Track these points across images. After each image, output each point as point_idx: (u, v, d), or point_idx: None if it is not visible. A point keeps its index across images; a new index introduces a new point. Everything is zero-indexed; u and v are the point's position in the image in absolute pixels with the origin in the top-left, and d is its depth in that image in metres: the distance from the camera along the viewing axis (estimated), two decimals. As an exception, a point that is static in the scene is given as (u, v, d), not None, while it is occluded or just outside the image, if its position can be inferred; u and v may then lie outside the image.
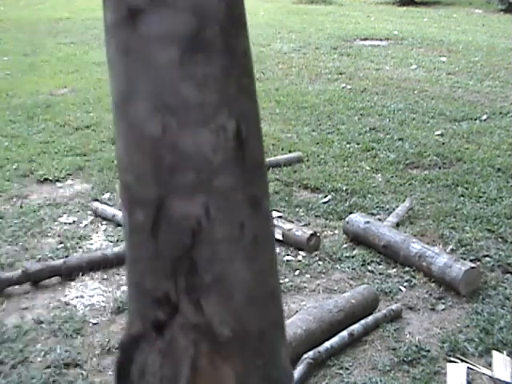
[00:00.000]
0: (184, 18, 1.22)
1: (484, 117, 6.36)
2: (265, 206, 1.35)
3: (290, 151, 5.34)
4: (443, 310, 3.12)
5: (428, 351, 2.78)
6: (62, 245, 3.79)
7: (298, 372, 2.54)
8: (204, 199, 1.23)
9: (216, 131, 1.23)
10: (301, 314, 2.87)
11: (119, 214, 4.07)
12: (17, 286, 3.31)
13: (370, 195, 4.45)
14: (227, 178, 1.25)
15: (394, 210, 4.11)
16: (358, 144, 5.54)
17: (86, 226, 4.08)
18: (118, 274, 3.47)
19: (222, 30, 1.25)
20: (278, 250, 3.71)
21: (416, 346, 2.79)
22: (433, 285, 3.30)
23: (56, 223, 4.10)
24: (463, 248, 3.68)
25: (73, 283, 3.39)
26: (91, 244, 3.84)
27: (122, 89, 1.27)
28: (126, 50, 1.25)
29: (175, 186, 1.23)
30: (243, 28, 1.33)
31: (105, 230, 4.01)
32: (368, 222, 3.73)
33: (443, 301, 3.18)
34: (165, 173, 1.23)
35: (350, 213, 4.05)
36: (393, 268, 3.49)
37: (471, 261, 3.46)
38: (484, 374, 2.63)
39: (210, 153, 1.23)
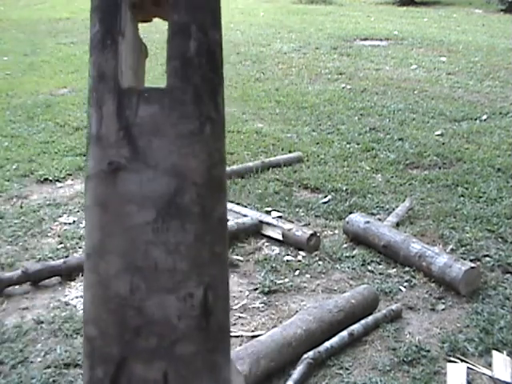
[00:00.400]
0: (163, 179, 1.20)
1: (484, 117, 6.36)
2: (225, 374, 1.32)
3: (289, 151, 5.34)
4: (443, 309, 3.11)
5: (428, 351, 2.78)
6: (61, 245, 3.79)
7: (298, 372, 2.54)
8: (164, 365, 1.21)
9: (183, 298, 1.21)
10: (301, 314, 2.87)
11: (119, 214, 4.07)
12: (17, 286, 3.31)
13: (370, 195, 4.45)
14: (189, 345, 1.23)
15: (393, 210, 4.11)
16: (358, 144, 5.54)
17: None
18: (117, 274, 3.47)
19: (200, 195, 1.23)
20: (277, 250, 3.71)
21: (416, 346, 2.79)
22: (433, 285, 3.30)
23: (56, 223, 4.10)
24: (463, 248, 3.68)
25: (73, 283, 3.39)
26: (91, 244, 3.83)
27: (95, 242, 1.25)
28: (102, 205, 1.23)
29: (137, 348, 1.21)
30: (221, 192, 1.31)
31: (105, 230, 4.00)
32: (368, 222, 3.73)
33: (443, 301, 3.18)
34: (129, 334, 1.21)
35: (350, 213, 4.04)
36: (393, 268, 3.49)
37: (471, 261, 3.46)
38: (484, 373, 2.62)
39: (174, 319, 1.21)
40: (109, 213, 1.22)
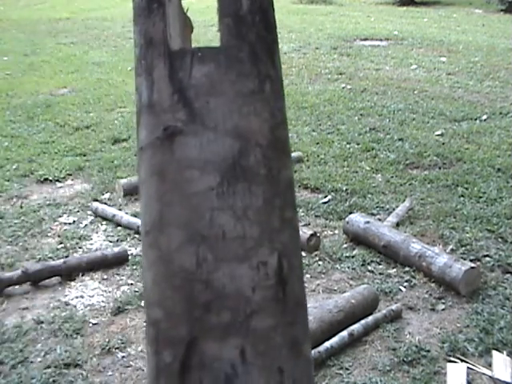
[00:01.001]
0: (225, 141, 1.11)
1: (484, 117, 6.36)
2: (306, 350, 1.21)
3: (289, 151, 5.33)
4: (443, 309, 3.11)
5: (428, 351, 2.78)
6: (61, 245, 3.79)
7: (297, 372, 2.54)
8: (240, 342, 1.10)
9: (256, 267, 1.12)
10: (301, 314, 2.87)
11: (119, 214, 4.08)
12: (17, 286, 3.32)
13: (370, 195, 4.45)
14: (266, 319, 1.13)
15: (394, 210, 4.11)
16: (358, 144, 5.54)
17: (85, 226, 4.08)
18: (117, 274, 3.47)
19: (265, 157, 1.14)
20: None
21: (416, 346, 2.79)
22: (433, 285, 3.30)
23: (56, 223, 4.10)
24: (463, 248, 3.68)
25: (73, 283, 3.39)
26: (91, 244, 3.84)
27: (153, 215, 1.15)
28: (160, 175, 1.14)
29: (209, 325, 1.11)
30: (287, 155, 1.21)
31: (105, 230, 4.01)
32: (368, 222, 3.73)
33: (443, 301, 3.18)
34: (198, 310, 1.11)
35: (350, 213, 4.04)
36: (393, 268, 3.49)
37: (471, 261, 3.46)
38: (484, 373, 2.62)
39: (248, 290, 1.11)
40: (167, 181, 1.12)
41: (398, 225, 3.90)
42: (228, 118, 1.11)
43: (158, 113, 1.12)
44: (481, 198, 4.37)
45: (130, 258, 3.61)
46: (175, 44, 1.12)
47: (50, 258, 3.61)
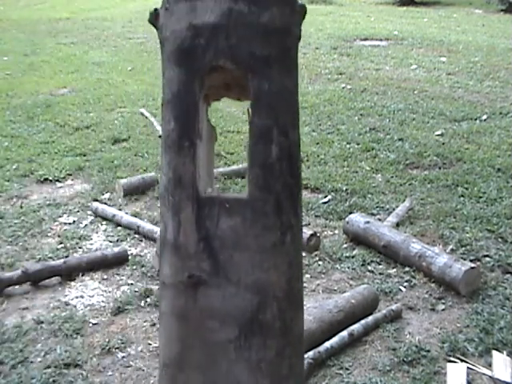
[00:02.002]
0: (246, 295, 1.15)
1: (484, 117, 6.36)
2: None
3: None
4: (443, 310, 3.11)
5: (428, 351, 2.77)
6: (61, 245, 3.79)
7: (297, 372, 2.54)
8: None
9: None
10: (301, 314, 2.87)
11: (119, 214, 4.07)
12: (17, 286, 3.31)
13: (370, 195, 4.45)
14: None
15: (394, 210, 4.11)
16: (358, 144, 5.54)
17: (86, 226, 4.08)
18: (117, 274, 3.47)
19: (281, 310, 1.18)
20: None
21: (416, 346, 2.79)
22: (433, 285, 3.30)
23: (56, 223, 4.10)
24: (463, 248, 3.68)
25: (73, 283, 3.39)
26: (91, 244, 3.84)
27: (174, 353, 1.20)
28: (182, 317, 1.18)
29: None
30: (300, 309, 1.26)
31: (105, 230, 4.01)
32: (368, 222, 3.73)
33: (443, 301, 3.18)
34: None
35: (350, 213, 4.04)
36: (393, 268, 3.49)
37: (471, 261, 3.46)
38: (484, 374, 2.62)
39: None
40: (189, 326, 1.18)
41: (398, 225, 3.90)
42: (250, 273, 1.16)
43: (183, 256, 1.15)
44: (481, 197, 4.37)
45: (130, 257, 3.61)
46: (203, 187, 1.12)
47: (50, 257, 3.61)
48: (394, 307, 3.05)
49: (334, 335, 2.77)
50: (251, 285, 1.15)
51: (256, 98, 1.12)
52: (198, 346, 1.18)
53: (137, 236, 3.89)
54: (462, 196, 4.41)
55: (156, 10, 1.19)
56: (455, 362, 2.69)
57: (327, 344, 2.71)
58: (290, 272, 1.22)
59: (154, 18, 1.17)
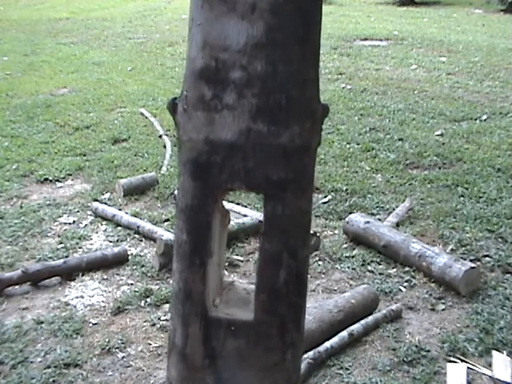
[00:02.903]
0: None
1: (484, 117, 6.36)
2: None
3: (289, 151, 5.33)
4: (443, 310, 3.11)
5: (428, 351, 2.78)
6: (61, 245, 3.79)
7: (297, 372, 2.54)
8: None
9: None
10: (301, 314, 2.87)
11: (119, 214, 4.07)
12: (17, 286, 3.31)
13: (369, 195, 4.45)
14: None
15: (394, 210, 4.11)
16: (358, 144, 5.54)
17: (86, 226, 4.08)
18: (117, 274, 3.47)
19: None
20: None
21: (416, 346, 2.79)
22: (433, 285, 3.30)
23: (56, 223, 4.10)
24: (463, 248, 3.68)
25: (73, 283, 3.39)
26: (91, 244, 3.84)
27: None
28: None
29: None
30: None
31: (105, 230, 4.01)
32: (368, 222, 3.73)
33: (443, 301, 3.18)
34: None
35: (350, 213, 4.04)
36: (393, 268, 3.49)
37: (471, 261, 3.46)
38: (484, 374, 2.62)
39: None
40: None
41: (398, 225, 3.90)
42: None
43: (189, 366, 1.19)
44: (481, 197, 4.37)
45: (130, 257, 3.61)
46: (212, 301, 1.14)
47: (50, 257, 3.61)
48: (394, 307, 3.05)
49: (334, 335, 2.77)
50: None
51: (269, 223, 1.11)
52: None
53: (137, 236, 3.89)
54: (462, 196, 4.41)
55: (175, 99, 1.14)
56: (455, 361, 2.69)
57: (327, 344, 2.71)
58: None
59: (172, 108, 1.13)
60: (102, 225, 4.08)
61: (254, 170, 1.05)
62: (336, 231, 3.95)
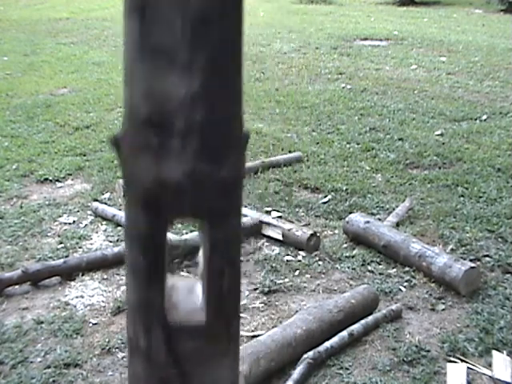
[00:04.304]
0: None
1: (484, 117, 6.36)
2: None
3: (289, 151, 5.34)
4: (443, 310, 3.12)
5: (428, 351, 2.78)
6: (61, 245, 3.79)
7: (297, 372, 2.54)
8: None
9: None
10: (301, 313, 2.87)
11: (119, 214, 4.07)
12: (17, 286, 3.31)
13: (369, 195, 4.45)
14: None
15: (394, 209, 4.11)
16: (358, 144, 5.54)
17: (86, 225, 4.08)
18: (117, 274, 3.47)
19: None
20: (278, 250, 3.71)
21: (416, 346, 2.79)
22: (433, 285, 3.30)
23: (56, 223, 4.10)
24: (463, 248, 3.68)
25: (73, 283, 3.39)
26: (91, 244, 3.84)
27: None
28: None
29: None
30: None
31: (105, 230, 4.01)
32: (368, 222, 3.73)
33: (443, 301, 3.18)
34: None
35: (350, 213, 4.04)
36: (393, 268, 3.49)
37: (471, 261, 3.46)
38: (484, 374, 2.63)
39: None
40: None
41: (397, 225, 3.90)
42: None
43: (154, 365, 1.30)
44: (481, 197, 4.37)
45: (129, 257, 3.60)
46: (168, 313, 1.25)
47: (50, 257, 3.61)
48: (394, 307, 3.05)
49: (334, 335, 2.77)
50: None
51: (213, 247, 1.28)
52: None
53: (137, 236, 3.89)
54: (462, 196, 4.42)
55: (116, 138, 1.21)
56: (455, 362, 2.69)
57: (327, 344, 2.71)
58: (235, 369, 1.38)
59: (116, 146, 1.22)
60: (102, 225, 4.08)
61: (199, 202, 1.22)
62: (336, 231, 3.95)
